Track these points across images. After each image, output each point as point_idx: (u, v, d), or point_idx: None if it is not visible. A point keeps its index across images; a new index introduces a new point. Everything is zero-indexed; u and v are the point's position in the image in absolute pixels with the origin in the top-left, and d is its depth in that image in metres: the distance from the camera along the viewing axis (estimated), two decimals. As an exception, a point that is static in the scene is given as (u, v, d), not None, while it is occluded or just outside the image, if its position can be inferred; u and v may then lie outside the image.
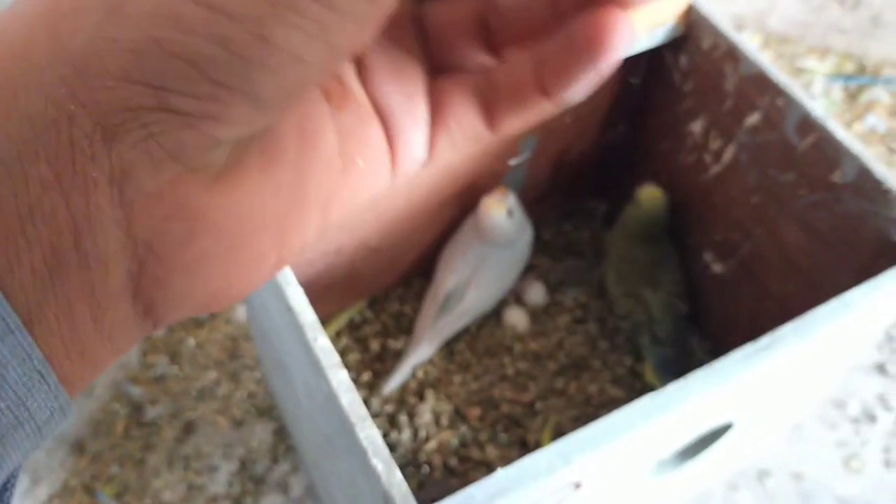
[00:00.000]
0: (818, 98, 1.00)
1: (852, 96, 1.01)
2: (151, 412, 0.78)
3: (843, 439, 0.76)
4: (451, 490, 0.39)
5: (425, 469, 0.69)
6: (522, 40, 0.24)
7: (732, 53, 0.59)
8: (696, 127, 0.66)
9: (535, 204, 0.78)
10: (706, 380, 0.43)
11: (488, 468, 0.69)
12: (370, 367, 0.75)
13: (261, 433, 0.76)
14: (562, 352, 0.75)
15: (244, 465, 0.75)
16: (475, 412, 0.72)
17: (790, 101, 0.55)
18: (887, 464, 0.75)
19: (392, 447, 0.70)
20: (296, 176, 0.22)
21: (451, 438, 0.70)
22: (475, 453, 0.70)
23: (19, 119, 0.18)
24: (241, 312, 0.83)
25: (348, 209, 0.24)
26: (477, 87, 0.24)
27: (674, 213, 0.73)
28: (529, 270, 0.79)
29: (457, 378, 0.74)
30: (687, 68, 0.64)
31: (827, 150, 0.54)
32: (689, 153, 0.68)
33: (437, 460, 0.69)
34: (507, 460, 0.63)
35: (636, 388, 0.73)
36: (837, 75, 1.03)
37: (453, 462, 0.69)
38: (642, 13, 0.59)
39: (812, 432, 0.77)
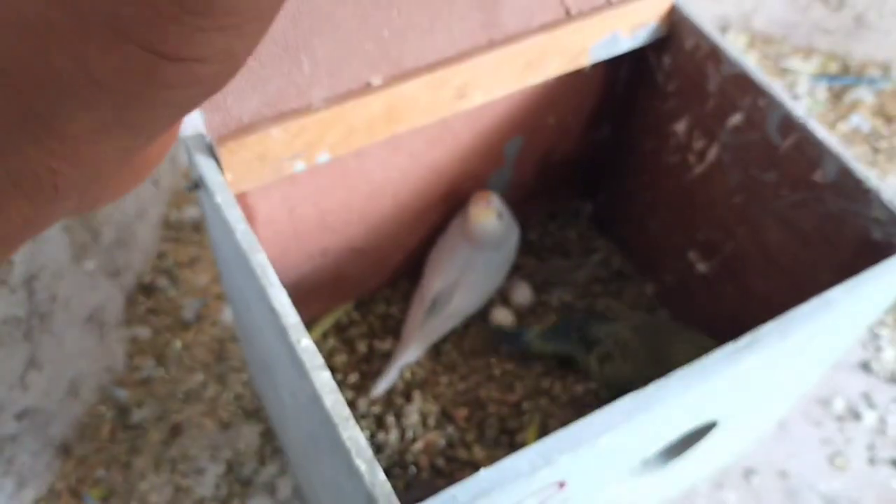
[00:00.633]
0: (803, 98, 1.01)
1: (837, 96, 1.01)
2: (138, 415, 0.78)
3: (827, 437, 0.77)
4: (437, 491, 0.39)
5: (412, 470, 0.69)
6: None
7: (715, 54, 0.59)
8: (680, 127, 0.66)
9: (521, 204, 0.78)
10: (688, 378, 0.43)
11: (475, 468, 0.69)
12: (357, 368, 0.75)
13: (248, 435, 0.76)
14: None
15: (231, 468, 0.75)
16: (462, 413, 0.72)
17: (772, 102, 0.56)
18: (872, 461, 0.76)
19: (379, 448, 0.70)
20: None
21: (438, 439, 0.70)
22: (462, 454, 0.70)
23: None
24: (227, 315, 0.83)
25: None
26: None
27: (658, 213, 0.74)
28: (515, 270, 0.80)
29: (444, 379, 0.74)
30: (670, 69, 0.64)
31: (808, 149, 0.54)
32: (673, 153, 0.68)
33: (424, 461, 0.69)
34: (494, 460, 0.63)
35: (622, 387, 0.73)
36: (822, 75, 1.03)
37: (440, 462, 0.69)
38: (625, 14, 0.60)
39: (797, 430, 0.77)
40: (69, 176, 0.18)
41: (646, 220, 0.76)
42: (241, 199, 0.58)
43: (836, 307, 0.46)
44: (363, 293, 0.78)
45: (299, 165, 0.53)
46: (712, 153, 0.63)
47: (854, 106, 1.00)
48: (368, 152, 0.61)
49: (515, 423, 0.72)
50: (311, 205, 0.63)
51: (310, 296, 0.72)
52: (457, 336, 0.77)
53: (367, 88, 0.53)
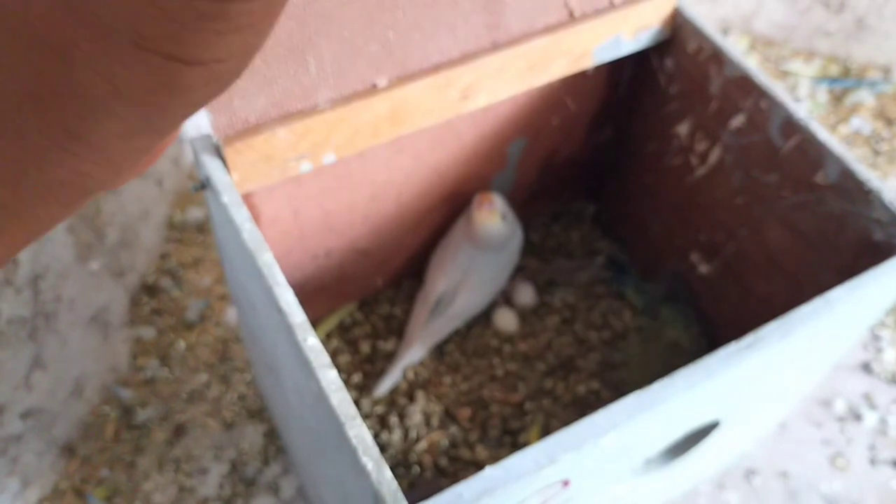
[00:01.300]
0: (804, 100, 1.01)
1: (837, 99, 1.02)
2: (142, 415, 0.78)
3: (828, 438, 0.77)
4: (441, 490, 0.39)
5: (416, 469, 0.69)
6: None
7: (717, 56, 0.60)
8: (682, 129, 0.66)
9: (524, 206, 0.78)
10: (691, 378, 0.44)
11: (478, 468, 0.69)
12: (361, 368, 0.75)
13: (251, 435, 0.77)
14: (550, 352, 0.76)
15: (235, 467, 0.75)
16: (465, 413, 0.72)
17: (774, 103, 0.56)
18: (872, 462, 0.76)
19: (383, 448, 0.70)
20: None
21: (441, 439, 0.71)
22: (465, 453, 0.70)
23: None
24: (231, 316, 0.83)
25: None
26: None
27: (660, 214, 0.74)
28: (518, 271, 0.80)
29: (447, 379, 0.74)
30: (672, 71, 0.65)
31: (810, 151, 0.54)
32: (676, 155, 0.68)
33: (427, 460, 0.70)
34: (497, 460, 0.64)
35: (624, 387, 0.74)
36: (823, 78, 1.04)
37: (444, 462, 0.70)
38: (628, 16, 0.60)
39: (798, 431, 0.77)
40: (97, 178, 0.18)
41: (648, 222, 0.76)
42: (247, 199, 0.58)
43: (837, 307, 0.47)
44: (366, 294, 0.79)
45: (305, 166, 0.54)
46: (714, 155, 0.64)
47: (855, 108, 1.01)
48: (373, 153, 0.62)
49: (518, 423, 0.72)
50: (315, 205, 0.63)
51: (313, 296, 0.72)
52: (460, 336, 0.77)
53: (372, 90, 0.53)
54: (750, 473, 0.75)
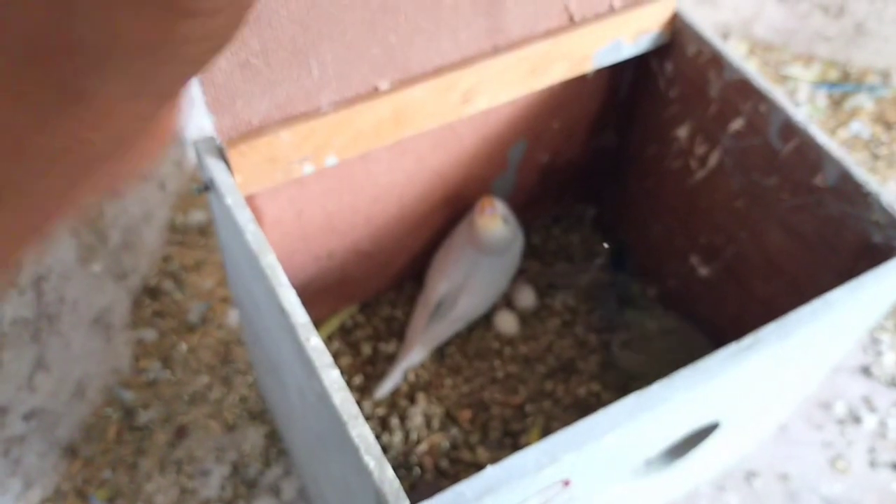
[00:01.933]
0: (803, 105, 1.02)
1: (837, 103, 1.02)
2: (144, 416, 0.78)
3: (828, 440, 0.78)
4: (442, 491, 0.40)
5: (417, 471, 0.70)
6: None
7: (716, 60, 0.60)
8: (682, 132, 0.67)
9: (525, 209, 0.79)
10: (691, 378, 0.44)
11: (479, 470, 0.69)
12: (362, 370, 0.75)
13: (253, 437, 0.77)
14: (551, 355, 0.76)
15: (236, 469, 0.75)
16: (466, 415, 0.73)
17: (773, 107, 0.56)
18: (872, 464, 0.76)
19: (384, 449, 0.71)
20: None
21: (442, 441, 0.71)
22: (466, 455, 0.70)
23: None
24: (233, 318, 0.84)
25: None
26: None
27: (660, 218, 0.74)
28: (519, 274, 0.80)
29: (448, 381, 0.75)
30: (672, 75, 0.65)
31: (809, 154, 0.55)
32: (675, 158, 0.69)
33: (428, 462, 0.70)
34: (497, 462, 0.64)
35: (624, 390, 0.74)
36: (822, 82, 1.04)
37: (444, 464, 0.70)
38: (628, 20, 0.60)
39: (798, 433, 0.78)
40: (99, 146, 0.19)
41: (648, 225, 0.77)
42: (250, 201, 0.58)
43: (836, 309, 0.47)
44: (368, 296, 0.79)
45: (308, 168, 0.54)
46: (714, 158, 0.64)
47: (854, 113, 1.01)
48: (375, 156, 0.62)
49: (519, 425, 0.72)
50: (318, 207, 0.63)
51: (315, 298, 0.73)
52: (461, 339, 0.78)
53: (374, 93, 0.54)
54: (750, 475, 0.75)
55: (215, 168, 0.50)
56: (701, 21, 0.62)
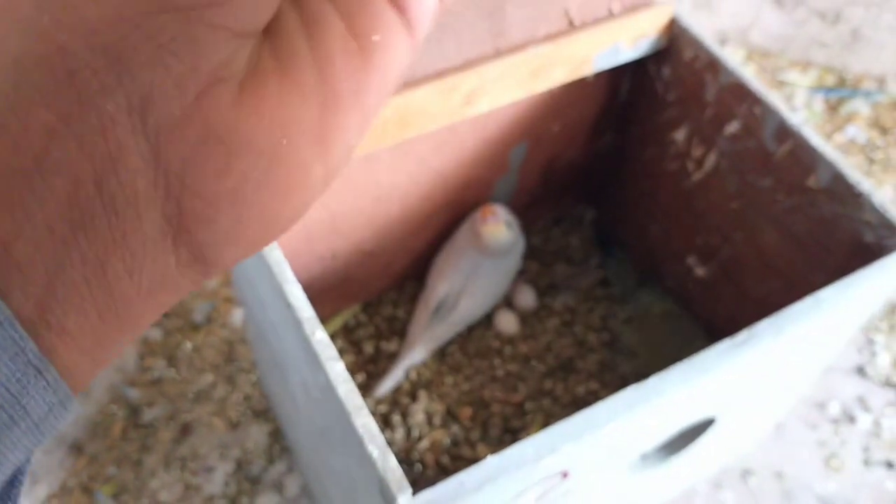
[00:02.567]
0: (800, 110, 1.03)
1: (833, 108, 1.04)
2: (149, 414, 0.79)
3: (823, 439, 0.79)
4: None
5: (418, 467, 0.71)
6: None
7: (712, 64, 0.61)
8: (679, 135, 0.68)
9: (525, 210, 0.80)
10: (687, 372, 0.45)
11: (479, 467, 0.71)
12: (364, 368, 0.77)
13: (256, 434, 0.78)
14: (550, 354, 0.77)
15: (240, 466, 0.76)
16: (467, 412, 0.74)
17: (767, 110, 0.58)
18: (866, 463, 0.77)
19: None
20: (315, 72, 0.19)
21: (443, 437, 0.72)
22: (466, 452, 0.72)
23: (1, 64, 0.16)
24: (236, 317, 0.85)
25: (384, 94, 0.21)
26: None
27: (658, 219, 0.76)
28: (520, 275, 0.82)
29: (449, 379, 0.76)
30: (669, 79, 0.67)
31: (802, 156, 0.56)
32: (673, 160, 0.70)
33: (429, 459, 0.71)
34: (497, 458, 0.65)
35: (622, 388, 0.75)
36: (818, 88, 1.06)
37: (445, 460, 0.71)
38: (627, 26, 0.62)
39: (793, 432, 0.79)
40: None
41: (646, 226, 0.78)
42: (256, 200, 0.60)
43: (828, 306, 0.48)
44: (370, 295, 0.80)
45: (313, 168, 0.55)
46: (710, 160, 0.65)
47: (850, 118, 1.03)
48: (378, 156, 0.63)
49: (519, 422, 0.73)
50: (322, 208, 0.65)
51: (319, 297, 0.74)
52: (461, 338, 0.79)
53: (378, 94, 0.55)
54: (746, 473, 0.76)
55: (223, 167, 0.51)
56: (697, 26, 0.63)
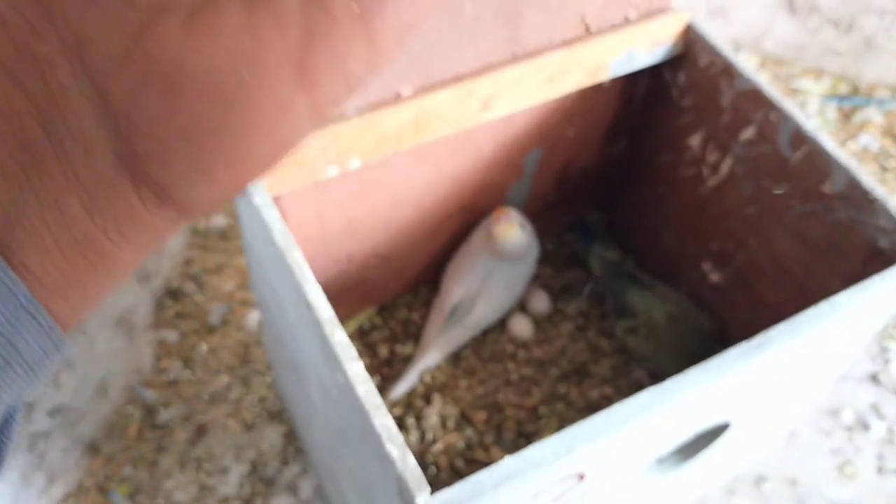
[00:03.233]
0: (813, 118, 1.03)
1: (846, 116, 1.04)
2: (164, 415, 0.80)
3: (837, 447, 0.79)
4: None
5: (432, 470, 0.71)
6: None
7: (728, 70, 0.62)
8: (695, 141, 0.68)
9: (540, 215, 0.80)
10: (702, 376, 0.46)
11: (492, 470, 0.71)
12: (379, 371, 0.77)
13: (271, 436, 0.78)
14: (564, 358, 0.78)
15: (255, 467, 0.77)
16: (480, 416, 0.74)
17: (783, 116, 0.58)
18: (880, 470, 0.77)
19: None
20: None
21: (457, 441, 0.73)
22: (480, 455, 0.72)
23: None
24: (252, 319, 0.85)
25: (403, 16, 0.18)
26: None
27: (672, 225, 0.76)
28: (534, 280, 0.82)
29: (463, 383, 0.76)
30: (685, 85, 0.67)
31: (818, 161, 0.56)
32: (688, 166, 0.70)
33: (443, 461, 0.72)
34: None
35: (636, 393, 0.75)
36: (832, 96, 1.06)
37: (459, 463, 0.71)
38: (643, 32, 0.62)
39: (807, 440, 0.79)
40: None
41: (661, 232, 0.78)
42: (275, 203, 0.60)
43: (842, 311, 0.48)
44: (385, 299, 0.81)
45: (332, 171, 0.56)
46: (725, 166, 0.66)
47: (863, 126, 1.03)
48: (395, 161, 0.64)
49: (532, 426, 0.74)
50: (339, 211, 0.65)
51: (335, 300, 0.74)
52: (476, 342, 0.79)
53: (397, 98, 0.56)
54: (760, 480, 0.76)
55: (244, 169, 0.52)
56: (713, 32, 0.63)
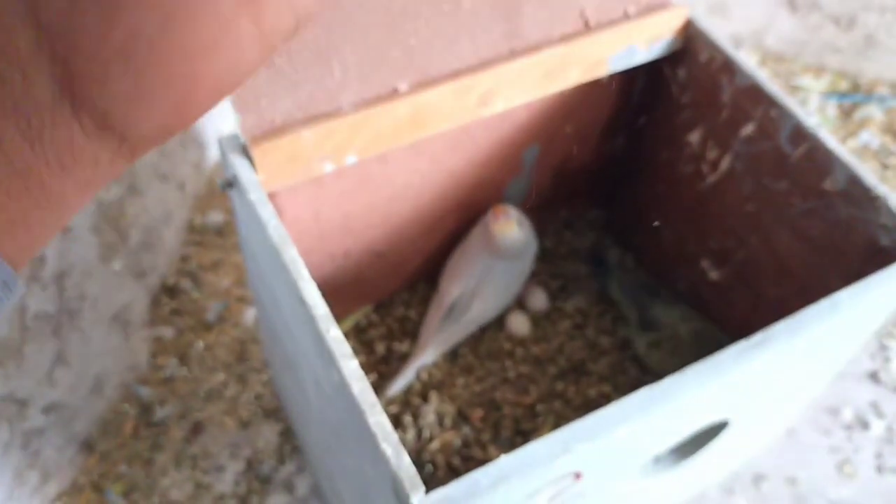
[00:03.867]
0: (813, 115, 1.03)
1: (846, 113, 1.03)
2: (160, 412, 0.79)
3: (836, 445, 0.78)
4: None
5: (429, 468, 0.71)
6: None
7: (728, 66, 0.61)
8: (694, 137, 0.68)
9: (538, 212, 0.80)
10: (701, 374, 0.45)
11: (490, 468, 0.70)
12: (375, 369, 0.77)
13: (267, 434, 0.78)
14: (562, 356, 0.77)
15: (251, 465, 0.76)
16: (478, 413, 0.74)
17: (783, 112, 0.58)
18: (879, 469, 0.77)
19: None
20: None
21: (454, 439, 0.72)
22: (477, 453, 0.71)
23: None
24: (249, 316, 0.85)
25: None
26: None
27: (672, 222, 0.75)
28: (532, 277, 0.81)
29: (460, 380, 0.76)
30: (685, 81, 0.67)
31: (818, 158, 0.56)
32: (687, 163, 0.70)
33: (440, 460, 0.71)
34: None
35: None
36: (832, 93, 1.05)
37: (456, 462, 0.71)
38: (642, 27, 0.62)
39: (806, 438, 0.78)
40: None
41: (660, 229, 0.78)
42: (271, 199, 0.60)
43: (843, 309, 0.48)
44: (382, 296, 0.80)
45: (328, 167, 0.55)
46: (725, 163, 0.65)
47: (864, 123, 1.02)
48: (392, 157, 0.63)
49: (530, 424, 0.73)
50: (335, 207, 0.65)
51: (331, 297, 0.74)
52: (473, 339, 0.79)
53: (394, 94, 0.55)
54: (758, 479, 0.76)
55: (239, 165, 0.51)
56: (713, 28, 0.63)
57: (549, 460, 0.42)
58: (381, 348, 0.78)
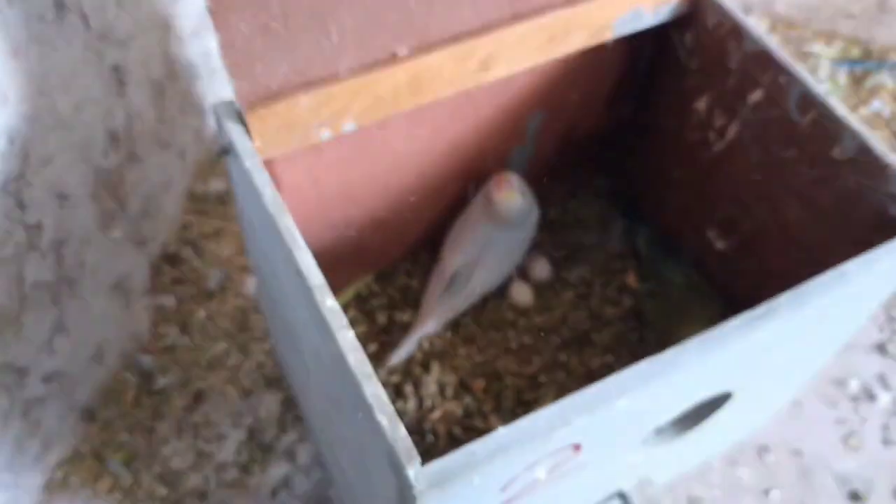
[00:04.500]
0: (824, 82, 1.01)
1: (858, 81, 1.01)
2: (161, 381, 0.79)
3: (842, 417, 0.78)
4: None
5: (430, 438, 0.70)
6: None
7: (736, 31, 0.60)
8: (701, 104, 0.66)
9: (542, 181, 0.79)
10: (704, 345, 0.44)
11: (491, 439, 0.70)
12: (377, 338, 0.76)
13: (269, 403, 0.78)
14: (565, 326, 0.77)
15: (252, 434, 0.76)
16: (479, 384, 0.73)
17: (792, 79, 0.56)
18: (885, 441, 0.76)
19: (398, 416, 0.71)
20: None
21: (455, 409, 0.72)
22: (479, 423, 0.71)
23: None
24: (250, 285, 0.84)
25: None
26: None
27: (678, 191, 0.74)
28: (535, 247, 0.80)
29: (462, 350, 0.75)
30: (692, 46, 0.65)
31: (827, 126, 0.55)
32: (694, 130, 0.68)
33: (441, 429, 0.71)
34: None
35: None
36: (843, 60, 1.03)
37: (457, 431, 0.71)
38: (648, -10, 0.60)
39: (812, 410, 0.78)
40: None
41: (665, 198, 0.76)
42: (268, 166, 0.59)
43: (850, 280, 0.47)
44: (384, 265, 0.79)
45: (325, 134, 0.54)
46: (732, 130, 0.64)
47: (875, 91, 1.00)
48: (392, 124, 0.62)
49: (532, 395, 0.73)
50: (335, 175, 0.64)
51: (332, 267, 0.73)
52: (475, 309, 0.78)
53: (393, 59, 0.54)
54: (763, 450, 0.75)
55: (234, 132, 0.50)
56: (722, -8, 0.61)
57: (547, 432, 0.41)
58: (382, 318, 0.77)
